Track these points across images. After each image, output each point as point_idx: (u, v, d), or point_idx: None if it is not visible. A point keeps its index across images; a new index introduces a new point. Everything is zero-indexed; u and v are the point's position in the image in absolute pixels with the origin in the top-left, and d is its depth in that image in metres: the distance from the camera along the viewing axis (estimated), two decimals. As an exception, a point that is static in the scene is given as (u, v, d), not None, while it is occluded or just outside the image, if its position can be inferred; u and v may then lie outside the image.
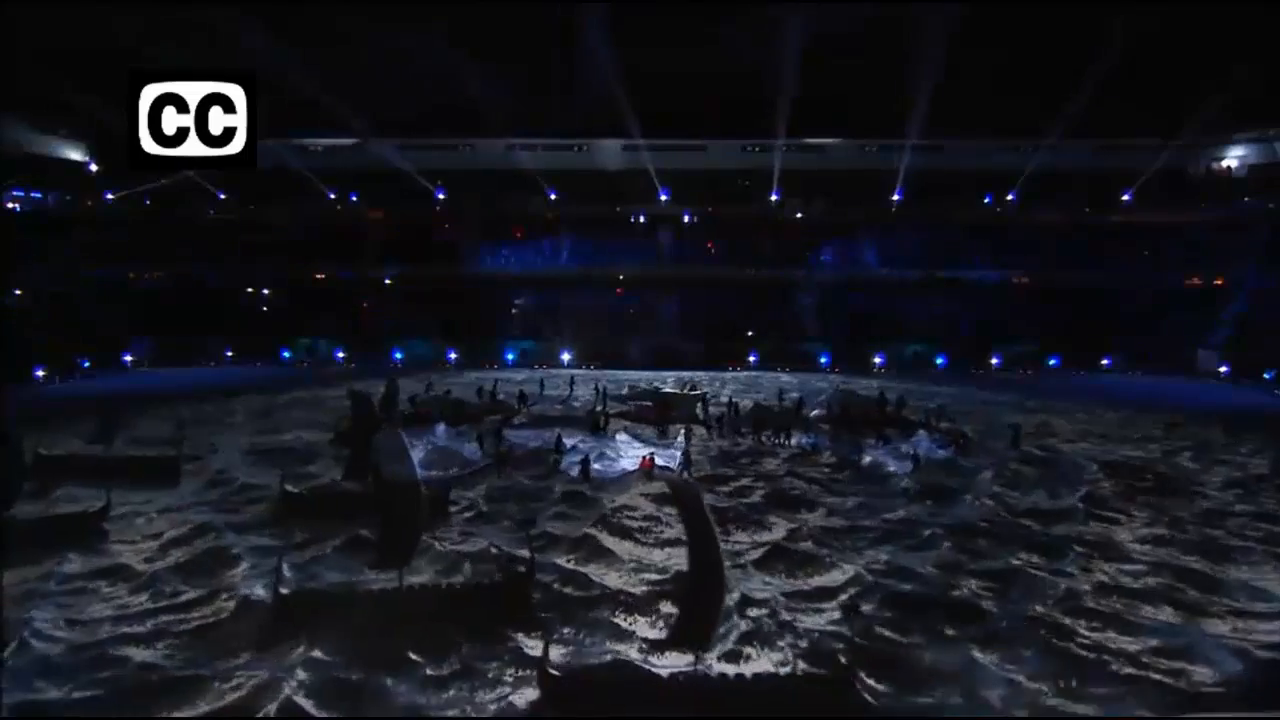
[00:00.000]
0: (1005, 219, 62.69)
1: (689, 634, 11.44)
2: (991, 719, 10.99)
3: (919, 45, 49.74)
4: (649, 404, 35.16)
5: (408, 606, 13.09)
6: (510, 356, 58.06)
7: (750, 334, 58.85)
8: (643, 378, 46.75)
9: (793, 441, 28.99)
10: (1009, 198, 62.49)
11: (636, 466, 23.85)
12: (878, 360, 56.33)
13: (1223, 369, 50.95)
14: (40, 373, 45.27)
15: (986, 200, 63.14)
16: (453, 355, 57.34)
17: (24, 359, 44.62)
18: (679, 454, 25.90)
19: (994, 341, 56.84)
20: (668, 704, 10.70)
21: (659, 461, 24.25)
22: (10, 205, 57.43)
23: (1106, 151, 61.65)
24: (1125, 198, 61.59)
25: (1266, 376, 47.67)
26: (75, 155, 62.66)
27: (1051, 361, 55.89)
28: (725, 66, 56.51)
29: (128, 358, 53.00)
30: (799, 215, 64.67)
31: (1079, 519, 19.77)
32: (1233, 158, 63.08)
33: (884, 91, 56.30)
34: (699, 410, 34.21)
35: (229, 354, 57.06)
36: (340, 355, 57.91)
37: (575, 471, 23.78)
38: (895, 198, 63.13)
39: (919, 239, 61.64)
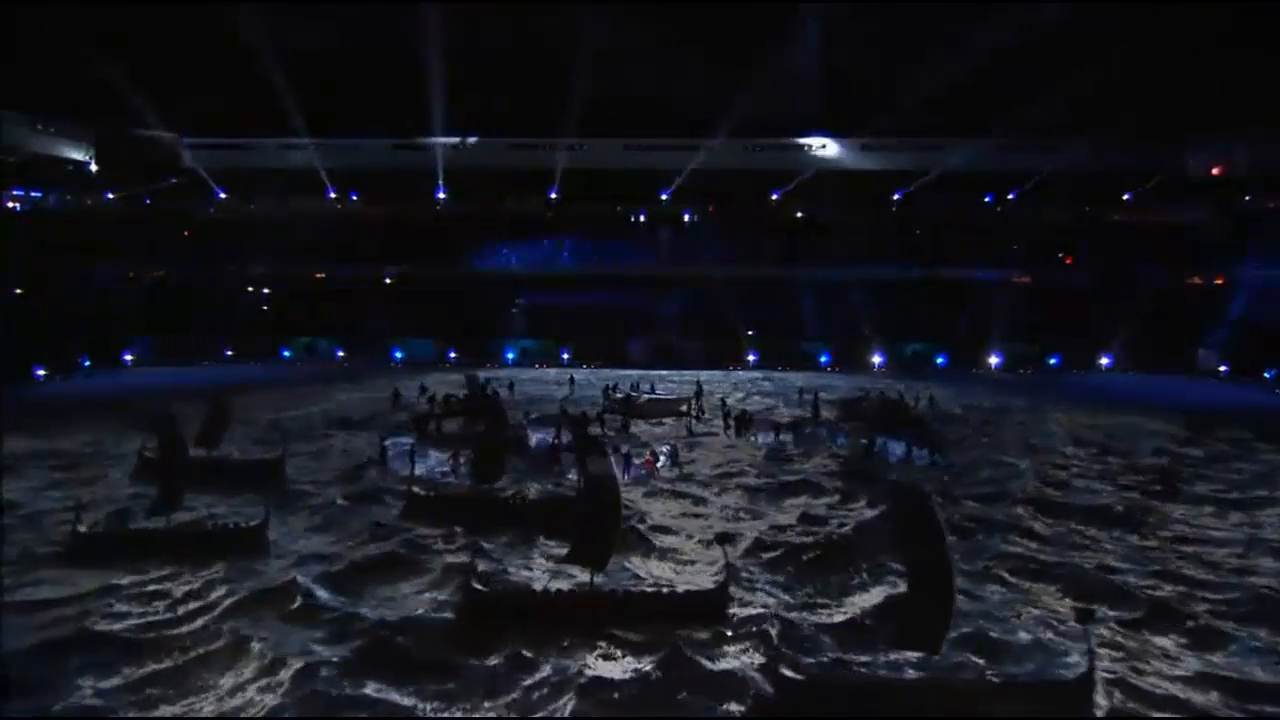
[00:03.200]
0: (1005, 219, 62.66)
1: (917, 635, 11.13)
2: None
3: (922, 46, 49.90)
4: (642, 402, 35.32)
5: (607, 611, 12.96)
6: (510, 356, 58.03)
7: (750, 334, 58.82)
8: (644, 377, 46.62)
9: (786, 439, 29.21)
10: (1009, 198, 62.44)
11: (640, 463, 23.97)
12: (878, 360, 56.25)
13: (1223, 368, 50.94)
14: (41, 372, 45.29)
15: (987, 200, 63.10)
16: (453, 354, 57.32)
17: (24, 358, 44.57)
18: (671, 450, 26.12)
19: (994, 341, 56.84)
20: (899, 706, 10.45)
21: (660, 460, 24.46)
22: (10, 205, 57.37)
23: (1106, 151, 61.57)
24: (1125, 198, 61.52)
25: (1267, 376, 47.67)
26: (75, 155, 62.61)
27: (1051, 361, 55.84)
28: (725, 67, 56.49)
29: (128, 357, 52.98)
30: (799, 215, 64.63)
31: None
32: (1233, 158, 62.97)
33: (887, 91, 56.35)
34: (692, 408, 34.49)
35: (229, 353, 57.09)
36: (340, 354, 57.94)
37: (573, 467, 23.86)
38: (896, 197, 63.10)
39: (918, 238, 61.48)
